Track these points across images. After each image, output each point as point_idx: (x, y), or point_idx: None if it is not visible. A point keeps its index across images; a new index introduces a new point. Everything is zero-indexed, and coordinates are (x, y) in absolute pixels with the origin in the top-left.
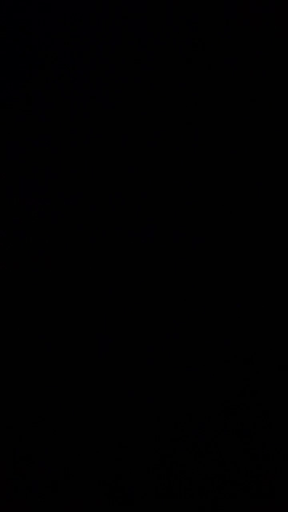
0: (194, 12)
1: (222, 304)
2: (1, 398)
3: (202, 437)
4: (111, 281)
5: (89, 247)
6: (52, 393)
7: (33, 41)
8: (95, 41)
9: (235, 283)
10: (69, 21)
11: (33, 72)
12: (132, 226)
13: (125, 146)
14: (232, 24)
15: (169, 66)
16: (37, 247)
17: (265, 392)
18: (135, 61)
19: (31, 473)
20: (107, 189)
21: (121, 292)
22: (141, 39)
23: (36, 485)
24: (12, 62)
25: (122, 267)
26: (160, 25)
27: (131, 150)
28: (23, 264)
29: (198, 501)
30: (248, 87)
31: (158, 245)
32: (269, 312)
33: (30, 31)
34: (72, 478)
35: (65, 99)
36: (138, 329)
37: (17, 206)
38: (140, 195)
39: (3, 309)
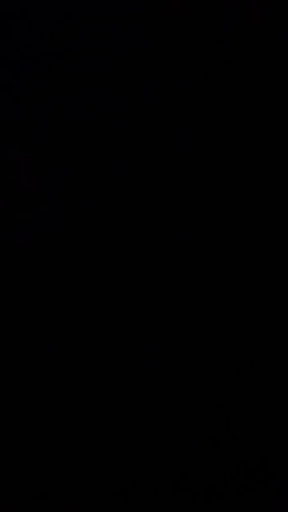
0: (194, 12)
1: (222, 304)
2: (1, 398)
3: (202, 437)
4: (111, 281)
5: (89, 247)
6: (52, 393)
7: (33, 39)
8: (95, 40)
9: (234, 283)
10: (69, 20)
11: (28, 76)
12: (131, 226)
13: (124, 146)
14: (232, 24)
15: (168, 66)
16: (37, 246)
17: (265, 392)
18: (134, 61)
19: (30, 473)
20: (106, 189)
21: (120, 292)
22: (140, 39)
23: (36, 485)
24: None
25: (122, 267)
26: (160, 25)
27: (130, 150)
28: (23, 264)
29: (197, 501)
30: (247, 87)
31: (158, 245)
32: (269, 312)
33: (30, 31)
34: (72, 478)
35: (64, 99)
36: (138, 329)
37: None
38: (139, 195)
39: (3, 310)
